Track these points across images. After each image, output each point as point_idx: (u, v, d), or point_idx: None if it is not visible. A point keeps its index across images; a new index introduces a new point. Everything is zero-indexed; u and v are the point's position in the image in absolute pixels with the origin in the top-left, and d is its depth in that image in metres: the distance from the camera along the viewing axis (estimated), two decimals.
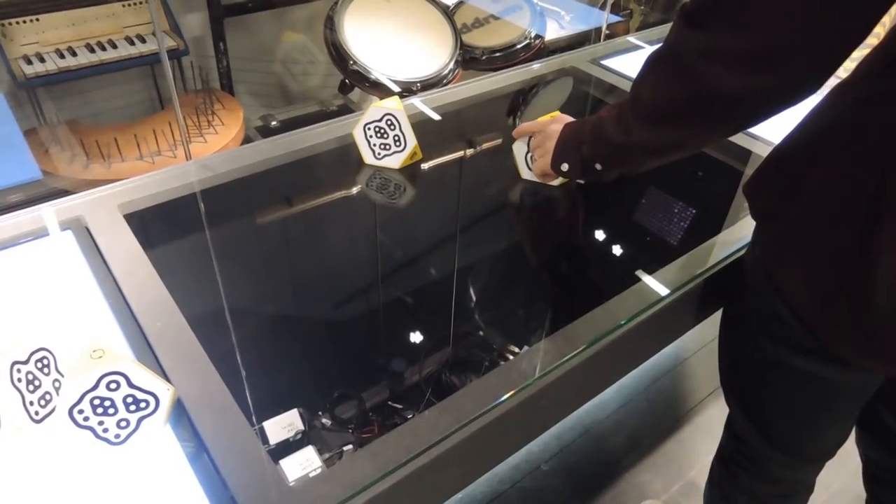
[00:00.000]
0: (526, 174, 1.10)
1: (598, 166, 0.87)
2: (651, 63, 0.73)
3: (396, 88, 1.60)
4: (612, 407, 1.66)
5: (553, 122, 0.98)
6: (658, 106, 0.74)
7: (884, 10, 0.57)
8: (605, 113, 0.84)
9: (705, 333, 1.03)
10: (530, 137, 1.06)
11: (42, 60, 1.52)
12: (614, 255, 1.07)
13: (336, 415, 0.86)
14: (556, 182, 1.07)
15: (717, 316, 0.98)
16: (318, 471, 0.75)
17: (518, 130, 1.07)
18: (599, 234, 1.12)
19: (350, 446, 0.83)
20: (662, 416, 1.66)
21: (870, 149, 0.63)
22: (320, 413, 0.84)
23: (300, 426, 0.81)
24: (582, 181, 1.05)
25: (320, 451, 0.78)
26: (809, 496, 1.03)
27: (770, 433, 0.93)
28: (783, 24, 0.59)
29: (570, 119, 0.97)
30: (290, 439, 0.79)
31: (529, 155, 1.07)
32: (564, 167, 0.93)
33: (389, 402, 0.89)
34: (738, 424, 0.99)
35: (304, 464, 0.76)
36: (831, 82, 0.66)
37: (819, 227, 0.69)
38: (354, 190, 1.11)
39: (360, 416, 0.86)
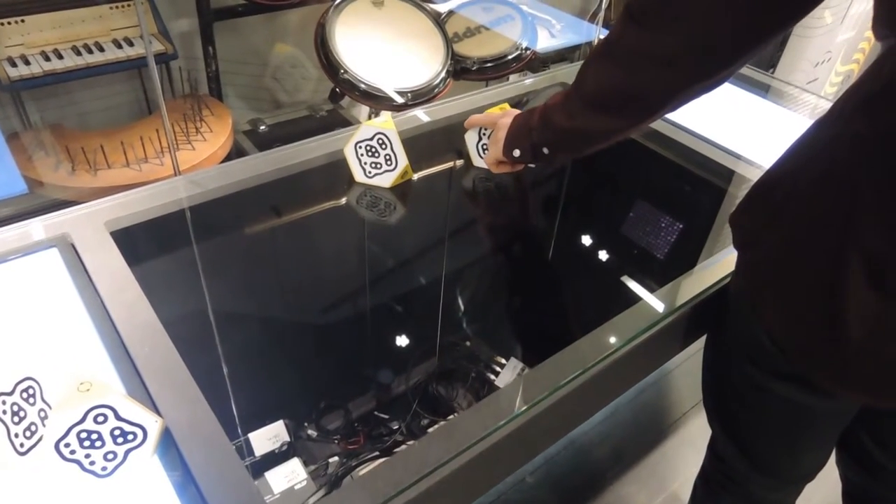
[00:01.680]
0: (478, 162, 1.17)
1: (546, 150, 0.94)
2: (596, 53, 0.81)
3: (400, 99, 1.59)
4: (597, 418, 1.67)
5: (503, 115, 1.04)
6: (599, 92, 0.82)
7: (789, 19, 0.67)
8: (551, 101, 0.91)
9: (689, 346, 1.05)
10: (480, 128, 1.13)
11: (27, 63, 1.49)
12: (600, 279, 1.08)
13: (322, 425, 0.86)
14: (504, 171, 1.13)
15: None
16: (304, 483, 0.75)
17: (469, 121, 1.13)
18: (586, 256, 1.13)
19: (336, 457, 0.83)
20: (646, 429, 1.68)
21: (839, 185, 0.66)
22: (306, 424, 0.84)
23: (286, 437, 0.81)
24: (533, 164, 1.10)
25: (306, 463, 0.78)
26: None
27: (751, 455, 0.94)
28: (705, 26, 0.68)
29: (518, 112, 1.03)
30: (276, 451, 0.79)
31: (481, 144, 1.15)
32: (516, 153, 0.99)
33: (375, 413, 0.89)
34: (720, 445, 1.01)
35: (289, 476, 0.76)
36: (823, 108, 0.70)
37: (794, 257, 0.71)
38: (344, 208, 1.11)
39: (345, 427, 0.86)
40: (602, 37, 1.76)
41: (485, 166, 1.15)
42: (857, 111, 0.66)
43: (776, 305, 0.75)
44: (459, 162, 1.26)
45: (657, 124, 1.32)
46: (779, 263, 0.74)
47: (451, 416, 0.89)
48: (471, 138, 1.16)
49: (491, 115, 1.09)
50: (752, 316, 0.80)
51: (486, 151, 1.14)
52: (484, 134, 1.14)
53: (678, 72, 0.74)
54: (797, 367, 0.76)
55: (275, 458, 0.78)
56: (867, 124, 0.64)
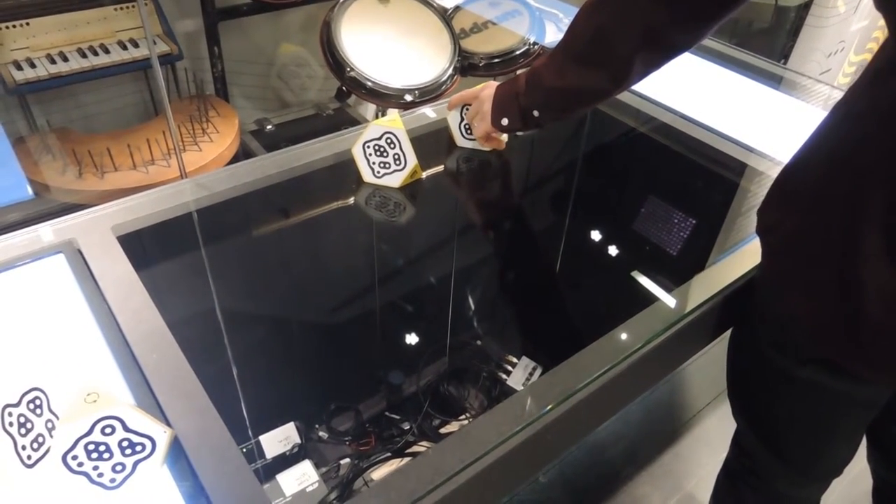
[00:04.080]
0: (461, 142, 1.17)
1: (536, 113, 0.95)
2: (587, 6, 0.86)
3: (407, 97, 1.57)
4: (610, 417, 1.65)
5: (484, 88, 1.05)
6: (587, 43, 0.86)
7: None
8: (538, 63, 0.93)
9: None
10: (463, 107, 1.12)
11: (33, 66, 1.49)
12: (613, 276, 1.06)
13: (333, 427, 0.85)
14: (488, 147, 1.15)
15: None
16: (315, 485, 0.74)
17: (451, 101, 1.13)
18: (598, 254, 1.12)
19: (347, 459, 0.82)
20: (660, 428, 1.66)
21: (845, 163, 0.68)
22: (317, 426, 0.84)
23: (297, 439, 0.80)
24: (522, 132, 1.13)
25: (317, 465, 0.77)
26: None
27: (776, 448, 0.93)
28: None
29: (498, 83, 1.04)
30: (287, 453, 0.78)
31: (464, 124, 1.14)
32: (504, 121, 1.00)
33: (386, 413, 0.88)
34: (744, 439, 1.00)
35: (300, 478, 0.75)
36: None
37: (809, 237, 0.73)
38: (353, 209, 1.10)
39: (356, 428, 0.85)
40: None
41: (468, 146, 1.16)
42: (864, 90, 0.68)
43: (796, 287, 0.76)
44: (468, 160, 1.25)
45: (668, 118, 1.30)
46: (796, 244, 0.75)
47: (462, 417, 0.88)
48: (453, 119, 1.16)
49: (471, 92, 1.09)
50: (775, 301, 0.81)
51: (468, 131, 1.14)
52: (465, 114, 1.14)
53: (662, 13, 0.79)
54: (820, 349, 0.77)
55: (286, 461, 0.77)
56: (871, 102, 0.66)
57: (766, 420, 0.93)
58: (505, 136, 1.14)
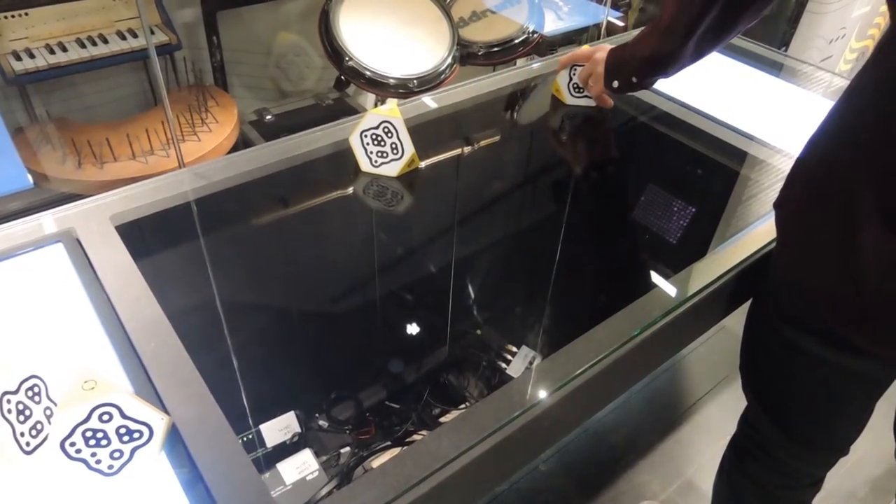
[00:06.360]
0: (570, 100, 1.28)
1: (634, 80, 1.10)
2: None
3: (406, 86, 1.56)
4: (610, 406, 1.66)
5: (597, 50, 1.18)
6: (671, 14, 0.98)
7: None
8: (635, 39, 1.08)
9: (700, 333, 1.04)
10: (572, 67, 1.24)
11: (32, 56, 1.49)
12: (613, 264, 1.06)
13: (333, 416, 0.86)
14: (595, 104, 1.27)
15: None
16: (316, 474, 0.74)
17: (562, 61, 1.25)
18: (598, 242, 1.11)
19: (347, 448, 0.83)
20: (660, 415, 1.66)
21: (851, 132, 0.72)
22: (317, 415, 0.84)
23: (297, 428, 0.80)
24: (630, 92, 1.22)
25: (317, 454, 0.77)
26: (816, 493, 1.04)
27: (782, 421, 0.95)
28: None
29: (609, 47, 1.16)
30: (287, 442, 0.79)
31: (573, 83, 1.26)
32: (615, 84, 1.14)
33: (386, 403, 0.88)
34: (752, 413, 1.02)
35: (301, 467, 0.76)
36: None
37: (817, 205, 0.76)
38: (351, 198, 1.09)
39: (357, 417, 0.85)
40: (610, 19, 1.74)
41: (576, 104, 1.28)
42: (868, 68, 0.72)
43: (803, 255, 0.79)
44: (467, 149, 1.24)
45: (668, 106, 1.30)
46: (803, 214, 0.79)
47: (462, 406, 0.88)
48: (563, 78, 1.26)
49: (582, 52, 1.22)
50: (785, 270, 0.84)
51: (577, 89, 1.26)
52: (574, 74, 1.24)
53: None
54: (825, 319, 0.79)
55: (286, 450, 0.77)
56: (873, 76, 0.70)
57: (772, 392, 0.95)
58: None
